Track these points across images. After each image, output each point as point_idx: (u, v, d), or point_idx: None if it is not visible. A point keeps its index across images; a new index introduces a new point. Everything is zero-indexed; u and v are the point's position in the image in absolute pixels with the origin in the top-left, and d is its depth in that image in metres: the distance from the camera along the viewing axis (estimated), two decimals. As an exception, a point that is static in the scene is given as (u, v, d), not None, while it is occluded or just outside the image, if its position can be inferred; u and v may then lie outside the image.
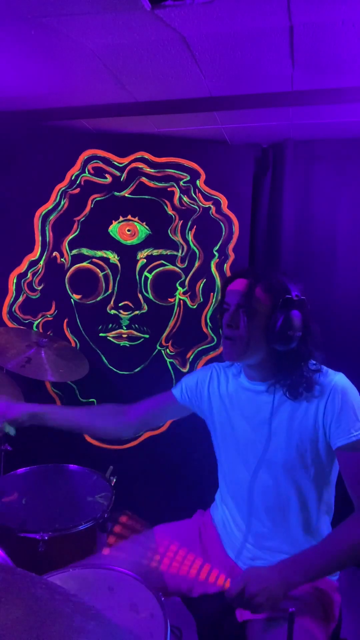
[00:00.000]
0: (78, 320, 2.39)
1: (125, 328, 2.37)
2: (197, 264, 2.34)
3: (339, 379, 1.29)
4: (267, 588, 1.09)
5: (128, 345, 2.38)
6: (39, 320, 2.40)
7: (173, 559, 1.20)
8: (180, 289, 2.36)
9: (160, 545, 1.40)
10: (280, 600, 1.10)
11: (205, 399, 1.47)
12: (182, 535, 1.44)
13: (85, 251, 2.38)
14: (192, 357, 2.37)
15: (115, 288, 2.37)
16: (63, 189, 2.36)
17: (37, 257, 2.38)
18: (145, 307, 2.36)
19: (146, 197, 2.35)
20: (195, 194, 2.33)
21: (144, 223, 2.35)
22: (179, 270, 2.35)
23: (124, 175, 2.35)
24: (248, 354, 1.28)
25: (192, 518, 1.54)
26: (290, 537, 1.31)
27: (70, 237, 2.38)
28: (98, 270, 2.38)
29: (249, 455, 1.34)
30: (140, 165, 2.34)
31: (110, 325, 2.38)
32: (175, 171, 2.33)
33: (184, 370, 2.37)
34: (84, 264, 2.38)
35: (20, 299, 2.39)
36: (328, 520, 1.38)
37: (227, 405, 1.41)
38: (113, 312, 2.37)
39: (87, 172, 2.36)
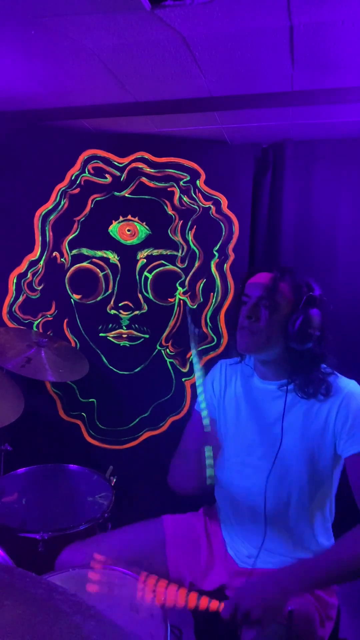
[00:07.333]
0: (78, 320, 2.39)
1: (125, 328, 2.37)
2: (197, 264, 2.34)
3: (353, 385, 1.28)
4: (263, 600, 1.06)
5: (128, 345, 2.38)
6: (39, 320, 2.40)
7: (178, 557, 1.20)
8: (180, 289, 2.36)
9: (167, 534, 1.40)
10: (280, 609, 1.07)
11: (220, 398, 1.46)
12: (189, 527, 1.43)
13: (85, 251, 2.38)
14: (192, 357, 2.37)
15: (115, 288, 2.37)
16: (63, 189, 2.36)
17: (37, 257, 2.38)
18: (145, 307, 2.36)
19: (146, 197, 2.35)
20: (195, 194, 2.33)
21: (144, 223, 2.35)
22: (179, 270, 2.35)
23: (124, 175, 2.35)
24: (264, 348, 1.26)
25: (198, 511, 1.53)
26: (290, 540, 1.31)
27: (70, 237, 2.38)
28: (98, 270, 2.38)
29: (258, 456, 1.32)
30: (140, 165, 2.34)
31: (110, 325, 2.38)
32: (175, 171, 2.33)
33: (184, 370, 2.37)
34: (84, 264, 2.38)
35: (20, 299, 2.39)
36: (329, 526, 1.37)
37: (240, 404, 1.39)
38: (113, 312, 2.37)
39: (87, 172, 2.36)
